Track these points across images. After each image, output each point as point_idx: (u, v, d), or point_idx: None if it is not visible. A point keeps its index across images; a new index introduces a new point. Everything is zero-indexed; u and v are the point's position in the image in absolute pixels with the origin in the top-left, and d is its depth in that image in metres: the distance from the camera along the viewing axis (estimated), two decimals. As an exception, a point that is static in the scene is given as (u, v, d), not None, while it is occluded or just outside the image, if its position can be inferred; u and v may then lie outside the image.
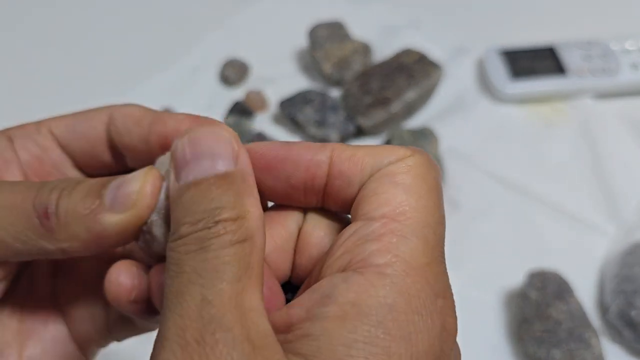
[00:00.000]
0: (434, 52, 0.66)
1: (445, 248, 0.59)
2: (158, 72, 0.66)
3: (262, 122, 0.63)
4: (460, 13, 0.74)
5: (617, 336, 0.48)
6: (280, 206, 0.24)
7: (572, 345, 0.45)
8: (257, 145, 0.22)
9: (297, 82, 0.66)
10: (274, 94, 0.64)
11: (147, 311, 0.22)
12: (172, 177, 0.21)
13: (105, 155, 0.25)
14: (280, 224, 0.24)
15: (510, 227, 0.55)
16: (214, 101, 0.63)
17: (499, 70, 0.65)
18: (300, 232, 0.24)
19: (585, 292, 0.50)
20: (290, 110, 0.61)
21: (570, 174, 0.59)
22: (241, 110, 0.62)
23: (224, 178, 0.20)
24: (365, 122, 0.60)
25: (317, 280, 0.21)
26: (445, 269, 0.21)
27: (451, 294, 0.20)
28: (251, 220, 0.20)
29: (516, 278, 0.50)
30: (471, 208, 0.56)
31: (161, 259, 0.22)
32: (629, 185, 0.58)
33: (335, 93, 0.64)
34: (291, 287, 0.24)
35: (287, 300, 0.23)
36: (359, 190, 0.22)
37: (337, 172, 0.22)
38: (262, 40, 0.70)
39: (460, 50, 0.69)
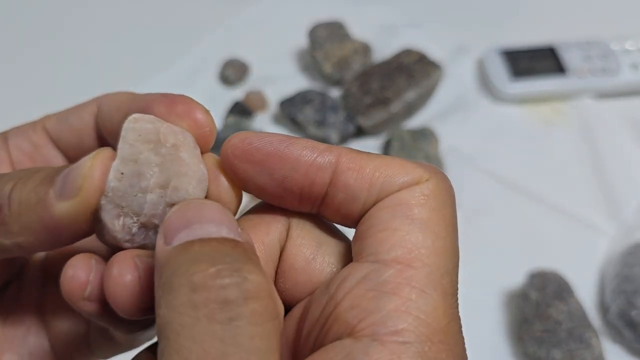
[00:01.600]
0: (434, 52, 0.66)
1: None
2: (158, 72, 0.66)
3: (262, 122, 0.63)
4: (460, 13, 0.74)
5: (618, 336, 0.48)
6: (258, 212, 0.21)
7: (572, 346, 0.45)
8: (254, 136, 0.20)
9: (297, 82, 0.66)
10: (274, 94, 0.64)
11: (103, 313, 0.20)
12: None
13: (94, 146, 0.24)
14: (259, 241, 0.20)
15: (511, 227, 0.55)
16: (214, 101, 0.63)
17: (499, 70, 0.65)
18: (283, 249, 0.21)
19: (586, 292, 0.50)
20: (290, 110, 0.61)
21: (570, 174, 0.59)
22: (241, 110, 0.62)
23: (233, 243, 0.17)
24: (365, 122, 0.60)
25: (317, 324, 0.18)
26: (459, 318, 0.19)
27: (464, 350, 0.19)
28: (273, 288, 0.17)
29: (516, 278, 0.50)
30: (471, 208, 0.56)
31: (115, 249, 0.20)
32: (629, 185, 0.57)
33: (335, 93, 0.64)
34: None
35: None
36: (363, 210, 0.20)
37: (341, 183, 0.20)
38: (262, 40, 0.70)
39: (460, 50, 0.69)
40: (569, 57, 0.65)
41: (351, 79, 0.64)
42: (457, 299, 0.19)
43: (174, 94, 0.21)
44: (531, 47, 0.66)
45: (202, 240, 0.17)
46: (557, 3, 0.74)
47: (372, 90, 0.61)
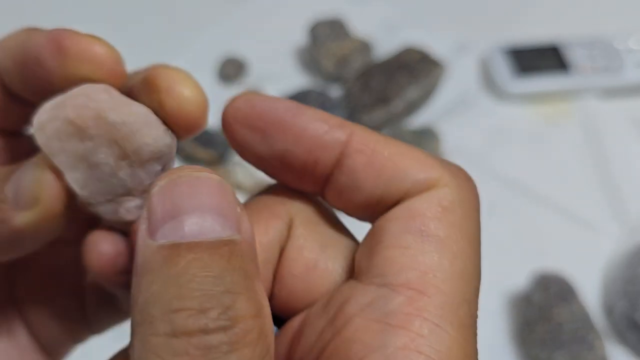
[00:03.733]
0: (436, 49, 0.66)
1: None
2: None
3: (262, 121, 0.62)
4: (462, 11, 0.73)
5: (622, 338, 0.48)
6: (256, 205, 0.18)
7: (575, 348, 0.44)
8: (259, 99, 0.18)
9: (296, 80, 0.66)
10: (273, 92, 0.64)
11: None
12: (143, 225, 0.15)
13: (3, 99, 0.19)
14: (257, 241, 0.17)
15: (514, 228, 0.55)
16: (211, 99, 0.62)
17: (502, 69, 0.64)
18: (283, 250, 0.18)
19: (590, 294, 0.50)
20: (290, 109, 0.60)
21: (574, 174, 0.58)
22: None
23: (229, 247, 0.14)
24: (366, 121, 0.59)
25: (313, 350, 0.16)
26: (476, 353, 0.16)
27: None
28: (267, 320, 0.15)
29: (519, 280, 0.49)
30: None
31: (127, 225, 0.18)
32: (633, 185, 0.57)
33: (335, 90, 0.64)
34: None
35: None
36: (366, 202, 0.17)
37: (347, 168, 0.17)
38: (261, 38, 0.70)
39: (463, 48, 0.68)
40: (572, 56, 0.65)
41: (352, 77, 0.63)
42: (475, 331, 0.16)
43: (59, 32, 0.17)
44: (534, 46, 0.66)
45: (191, 246, 0.14)
46: (560, 0, 0.74)
47: (373, 89, 0.61)
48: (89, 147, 0.17)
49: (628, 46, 0.66)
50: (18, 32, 0.18)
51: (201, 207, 0.14)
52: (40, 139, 0.16)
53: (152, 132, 0.17)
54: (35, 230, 0.17)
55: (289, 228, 0.18)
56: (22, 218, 0.17)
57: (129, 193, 0.17)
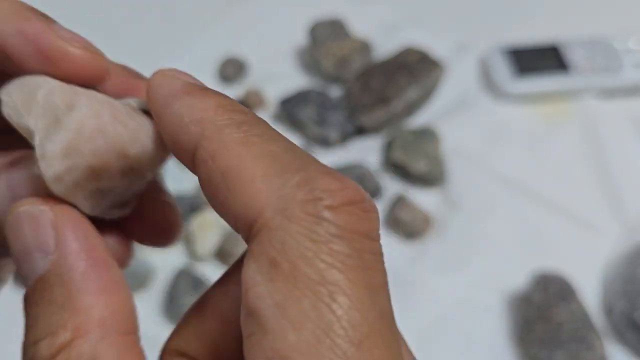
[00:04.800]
0: (436, 50, 0.66)
1: (448, 249, 0.58)
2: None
3: (262, 121, 0.62)
4: (462, 10, 0.73)
5: (621, 338, 0.48)
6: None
7: (574, 348, 0.44)
8: (162, 77, 0.16)
9: (296, 80, 0.66)
10: (273, 92, 0.64)
11: None
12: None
13: None
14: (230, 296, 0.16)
15: (513, 228, 0.55)
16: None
17: (501, 69, 0.64)
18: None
19: (589, 294, 0.50)
20: (291, 109, 0.60)
21: (573, 174, 0.58)
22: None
23: (42, 283, 0.14)
24: (366, 121, 0.59)
25: None
26: None
27: None
28: (82, 341, 0.13)
29: (519, 279, 0.49)
30: (473, 208, 0.55)
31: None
32: (633, 185, 0.57)
33: (335, 90, 0.64)
34: None
35: None
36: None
37: (200, 177, 0.15)
38: (262, 38, 0.70)
39: (462, 48, 0.68)
40: (572, 56, 0.65)
41: (352, 78, 0.63)
42: None
43: (33, 28, 0.16)
44: (534, 46, 0.66)
45: (25, 297, 0.15)
46: (559, 0, 0.74)
47: (373, 89, 0.61)
48: (106, 182, 0.16)
49: (627, 46, 0.66)
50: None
51: (25, 248, 0.15)
52: (58, 190, 0.15)
53: (152, 141, 0.17)
54: None
55: None
56: None
57: (124, 204, 0.17)
